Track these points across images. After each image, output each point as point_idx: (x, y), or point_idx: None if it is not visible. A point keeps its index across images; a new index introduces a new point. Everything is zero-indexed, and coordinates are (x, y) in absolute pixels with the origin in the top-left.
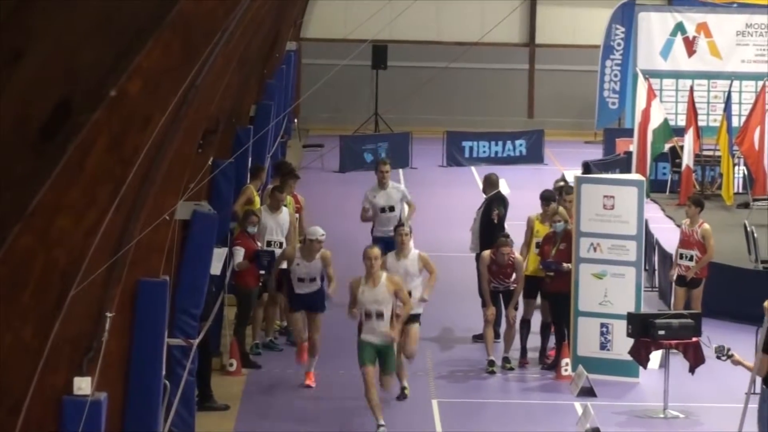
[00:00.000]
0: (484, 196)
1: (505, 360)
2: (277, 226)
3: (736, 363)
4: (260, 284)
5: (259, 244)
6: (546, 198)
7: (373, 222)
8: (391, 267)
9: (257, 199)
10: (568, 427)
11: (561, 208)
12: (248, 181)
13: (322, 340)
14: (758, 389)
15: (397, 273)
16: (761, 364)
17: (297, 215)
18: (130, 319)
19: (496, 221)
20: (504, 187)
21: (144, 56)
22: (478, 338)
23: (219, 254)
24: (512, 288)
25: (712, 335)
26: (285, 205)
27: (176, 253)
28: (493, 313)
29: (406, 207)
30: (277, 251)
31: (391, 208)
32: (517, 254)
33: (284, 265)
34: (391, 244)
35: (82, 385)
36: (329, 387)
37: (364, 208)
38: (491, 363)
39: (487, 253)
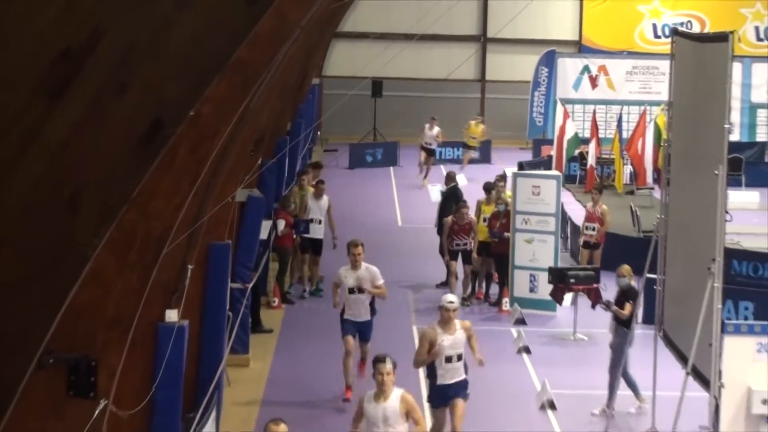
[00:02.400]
0: (445, 187)
1: (464, 299)
2: (318, 209)
3: (613, 311)
4: (294, 246)
5: (295, 213)
6: (486, 188)
7: (344, 303)
8: (369, 413)
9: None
10: (507, 346)
11: (504, 194)
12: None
13: None
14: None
15: (374, 422)
16: (626, 311)
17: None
18: (205, 270)
19: (449, 210)
20: (462, 180)
21: (213, 88)
22: (440, 285)
23: (266, 225)
24: (470, 249)
25: (607, 283)
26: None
27: (236, 225)
28: (455, 266)
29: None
30: (317, 226)
31: (360, 290)
32: (473, 216)
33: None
34: (362, 328)
35: (172, 315)
36: None
37: (335, 283)
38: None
39: (449, 218)
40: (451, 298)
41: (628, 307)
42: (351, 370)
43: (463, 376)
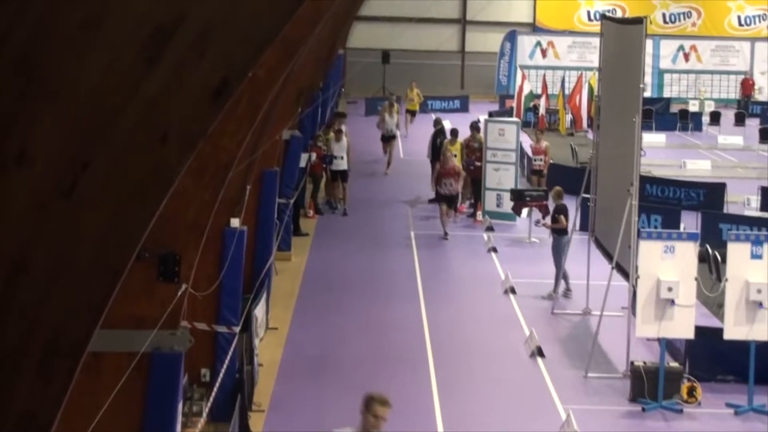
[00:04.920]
0: (434, 128)
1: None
2: (339, 147)
3: (542, 225)
4: (323, 172)
5: (324, 149)
6: (453, 133)
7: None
8: None
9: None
10: (479, 247)
11: (479, 135)
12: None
13: None
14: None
15: None
16: (560, 224)
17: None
18: (259, 189)
19: (438, 144)
20: (448, 124)
21: (266, 56)
22: (431, 201)
23: (304, 156)
24: (455, 194)
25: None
26: (345, 136)
27: (282, 156)
28: (445, 208)
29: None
30: (339, 160)
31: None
32: (457, 164)
33: None
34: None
35: (235, 223)
36: (369, 219)
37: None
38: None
39: (438, 166)
40: None
41: (562, 219)
42: None
43: None
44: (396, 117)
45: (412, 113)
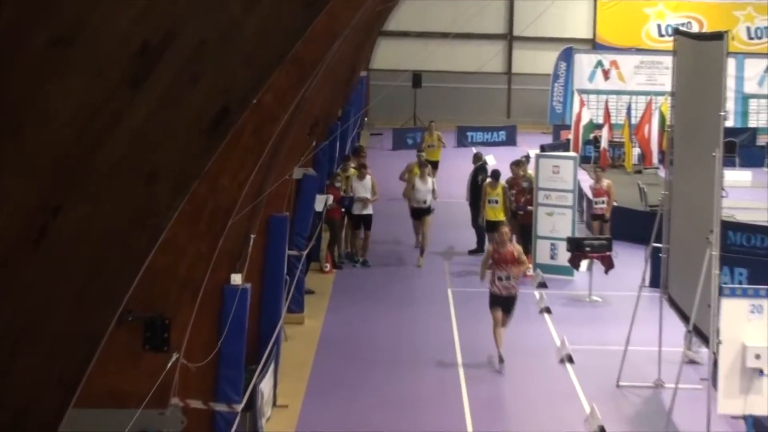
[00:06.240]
0: (473, 166)
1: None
2: (362, 187)
3: None
4: (342, 218)
5: (342, 193)
6: (494, 176)
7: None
8: None
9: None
10: (530, 306)
11: (529, 172)
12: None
13: None
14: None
15: None
16: None
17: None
18: (265, 239)
19: (479, 183)
20: (491, 160)
21: (274, 79)
22: (472, 252)
23: (320, 199)
24: (514, 294)
25: (618, 251)
26: (369, 174)
27: (293, 198)
28: (500, 317)
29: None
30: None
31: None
32: (516, 245)
33: None
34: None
35: (236, 279)
36: (389, 272)
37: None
38: (501, 359)
39: (489, 246)
40: None
41: None
42: None
43: None
44: (431, 182)
45: (434, 165)
